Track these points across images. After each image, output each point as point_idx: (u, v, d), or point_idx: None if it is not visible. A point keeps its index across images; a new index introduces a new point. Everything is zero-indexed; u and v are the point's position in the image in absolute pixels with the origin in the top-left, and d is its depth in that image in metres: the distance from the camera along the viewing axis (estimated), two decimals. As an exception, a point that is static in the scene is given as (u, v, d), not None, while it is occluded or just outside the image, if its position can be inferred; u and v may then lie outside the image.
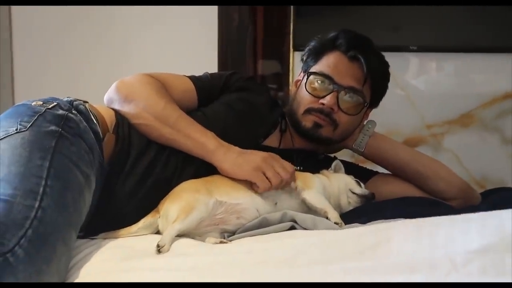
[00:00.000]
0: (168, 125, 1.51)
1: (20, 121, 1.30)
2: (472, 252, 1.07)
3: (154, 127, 1.51)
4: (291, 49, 2.67)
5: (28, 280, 1.05)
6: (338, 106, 1.66)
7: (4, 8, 2.78)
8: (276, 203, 1.48)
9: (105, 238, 1.38)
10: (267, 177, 1.45)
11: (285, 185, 1.48)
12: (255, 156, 1.48)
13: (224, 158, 1.48)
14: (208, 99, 1.69)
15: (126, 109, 1.54)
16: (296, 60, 2.62)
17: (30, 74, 2.86)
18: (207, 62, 2.62)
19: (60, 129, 1.32)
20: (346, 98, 1.66)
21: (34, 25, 2.83)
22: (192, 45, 2.74)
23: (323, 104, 1.66)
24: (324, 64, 1.69)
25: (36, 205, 1.14)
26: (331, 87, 1.66)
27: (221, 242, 1.33)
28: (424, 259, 1.07)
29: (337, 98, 1.65)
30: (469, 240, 1.11)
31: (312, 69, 1.71)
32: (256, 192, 1.46)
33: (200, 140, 1.50)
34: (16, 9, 2.82)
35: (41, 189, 1.17)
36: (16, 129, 1.28)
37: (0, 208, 1.10)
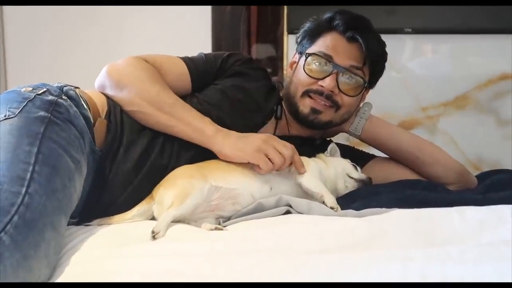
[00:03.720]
0: (164, 112, 1.48)
1: (9, 108, 1.29)
2: (469, 245, 1.07)
3: (149, 114, 1.49)
4: (285, 33, 2.65)
5: (15, 265, 1.05)
6: (338, 88, 1.63)
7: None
8: (271, 188, 1.47)
9: (99, 225, 1.37)
10: (269, 159, 1.44)
11: (287, 166, 1.46)
12: (255, 138, 1.47)
13: (223, 143, 1.46)
14: (203, 83, 1.65)
15: (119, 95, 1.52)
16: (290, 43, 2.60)
17: (22, 61, 2.83)
18: (201, 46, 2.57)
19: (49, 115, 1.31)
20: (345, 80, 1.64)
21: (26, 12, 2.80)
22: (186, 29, 2.72)
23: (322, 86, 1.63)
24: (321, 45, 1.66)
25: (23, 191, 1.13)
26: (330, 68, 1.63)
27: (216, 229, 1.32)
28: (420, 251, 1.07)
29: (337, 80, 1.63)
30: (465, 234, 1.12)
31: (309, 51, 1.68)
32: (254, 175, 1.45)
33: (198, 126, 1.48)
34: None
35: (29, 174, 1.16)
36: (5, 116, 1.27)
37: None
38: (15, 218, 1.09)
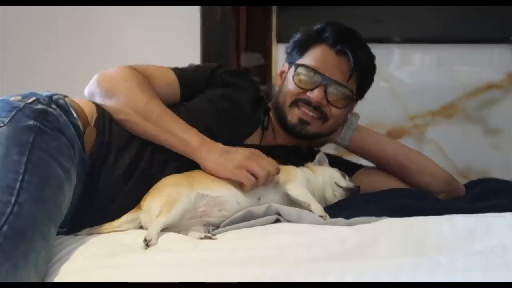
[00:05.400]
0: (151, 121, 1.49)
1: None
2: (458, 254, 1.08)
3: (136, 123, 1.50)
4: (274, 41, 2.66)
5: (4, 275, 1.05)
6: (327, 99, 1.65)
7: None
8: (259, 198, 1.48)
9: (88, 234, 1.37)
10: (253, 173, 1.44)
11: (271, 179, 1.47)
12: (237, 154, 1.47)
13: (207, 157, 1.47)
14: (192, 93, 1.66)
15: (108, 103, 1.52)
16: (279, 52, 2.61)
17: (14, 71, 2.82)
18: (190, 55, 2.59)
19: (39, 124, 1.30)
20: (334, 91, 1.65)
21: (18, 21, 2.79)
22: (175, 38, 2.72)
23: (310, 97, 1.64)
24: (311, 57, 1.68)
25: (13, 200, 1.13)
26: (319, 79, 1.64)
27: (205, 237, 1.32)
28: (409, 260, 1.07)
29: (325, 91, 1.64)
30: (455, 243, 1.12)
31: (299, 62, 1.69)
32: (240, 186, 1.46)
33: (183, 137, 1.49)
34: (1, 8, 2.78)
35: (18, 184, 1.16)
36: None
37: None
38: (5, 228, 1.09)
